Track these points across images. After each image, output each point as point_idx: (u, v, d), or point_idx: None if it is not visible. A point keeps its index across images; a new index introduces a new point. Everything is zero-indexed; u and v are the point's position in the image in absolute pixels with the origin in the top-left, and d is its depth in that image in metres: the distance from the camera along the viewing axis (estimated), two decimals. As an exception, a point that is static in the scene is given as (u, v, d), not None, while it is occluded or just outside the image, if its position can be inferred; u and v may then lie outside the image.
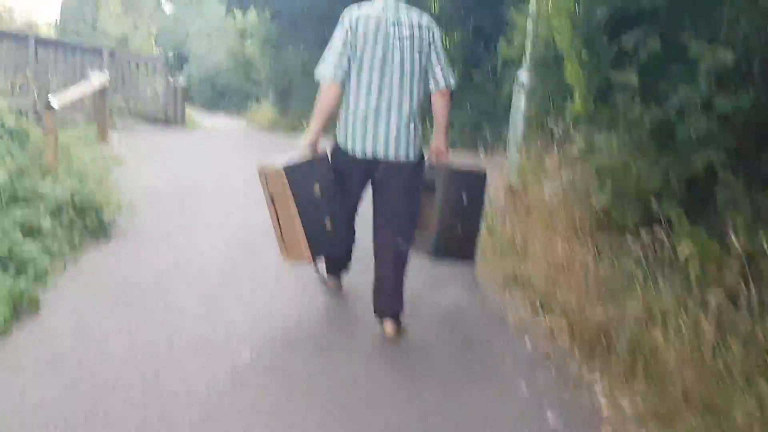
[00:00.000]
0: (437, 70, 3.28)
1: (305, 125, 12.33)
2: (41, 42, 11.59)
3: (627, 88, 3.43)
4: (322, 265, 4.00)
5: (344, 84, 3.24)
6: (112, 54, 11.62)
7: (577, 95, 3.70)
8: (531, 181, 5.30)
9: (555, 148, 5.08)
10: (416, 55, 3.21)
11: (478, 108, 11.50)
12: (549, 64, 4.38)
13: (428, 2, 13.24)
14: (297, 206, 3.26)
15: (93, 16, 34.25)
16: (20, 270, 3.70)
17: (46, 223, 4.29)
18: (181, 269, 4.21)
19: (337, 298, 3.93)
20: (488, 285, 4.20)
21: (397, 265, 3.37)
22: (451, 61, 12.22)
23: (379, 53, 3.17)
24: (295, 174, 3.25)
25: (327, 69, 3.23)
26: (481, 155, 6.44)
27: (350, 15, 3.23)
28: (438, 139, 3.49)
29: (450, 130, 10.85)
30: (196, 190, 6.51)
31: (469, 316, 3.74)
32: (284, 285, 4.06)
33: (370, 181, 3.38)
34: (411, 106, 3.24)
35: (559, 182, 4.90)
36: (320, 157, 3.34)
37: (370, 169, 3.30)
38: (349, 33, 3.18)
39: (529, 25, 4.75)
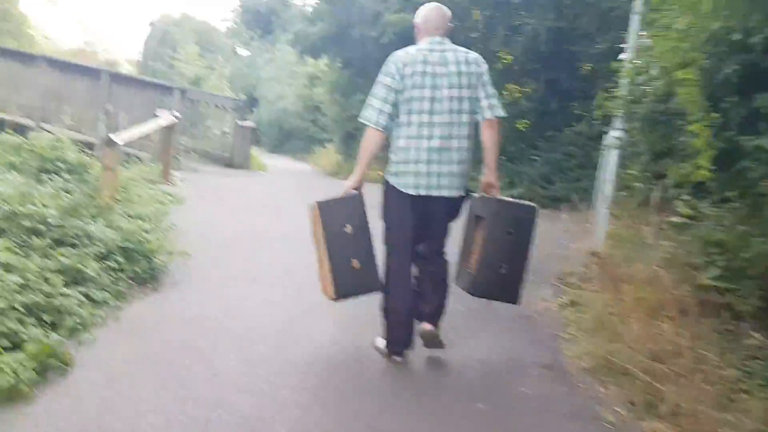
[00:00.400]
0: (484, 101, 3.29)
1: (368, 172, 12.14)
2: (115, 78, 11.76)
3: (759, 155, 2.88)
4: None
5: (388, 129, 3.29)
6: (183, 92, 11.67)
7: (701, 159, 3.16)
8: (622, 250, 4.72)
9: (653, 214, 4.51)
10: (465, 92, 3.25)
11: (549, 162, 10.98)
12: (657, 121, 3.87)
13: (500, 54, 12.98)
14: (326, 242, 3.33)
15: (171, 56, 35.60)
16: (56, 322, 3.37)
17: (92, 268, 3.98)
18: (231, 328, 3.79)
19: (401, 381, 3.41)
20: (577, 372, 3.62)
21: (439, 284, 3.50)
22: (523, 113, 11.88)
23: (427, 93, 3.22)
24: (327, 210, 3.35)
25: (371, 114, 3.28)
26: (563, 215, 5.86)
27: (395, 58, 3.28)
28: (488, 172, 3.39)
29: (519, 184, 10.39)
30: (255, 236, 6.17)
31: (555, 411, 3.16)
32: (343, 355, 3.59)
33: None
34: (461, 143, 3.28)
35: (658, 253, 4.31)
36: (356, 197, 3.38)
37: (422, 205, 3.33)
38: (396, 77, 3.24)
39: (634, 79, 4.26)
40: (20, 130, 7.12)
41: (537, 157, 11.28)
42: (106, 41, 46.95)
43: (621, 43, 10.51)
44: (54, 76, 11.98)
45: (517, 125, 12.44)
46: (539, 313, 4.54)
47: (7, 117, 9.34)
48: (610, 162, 5.03)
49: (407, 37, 3.64)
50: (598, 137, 9.91)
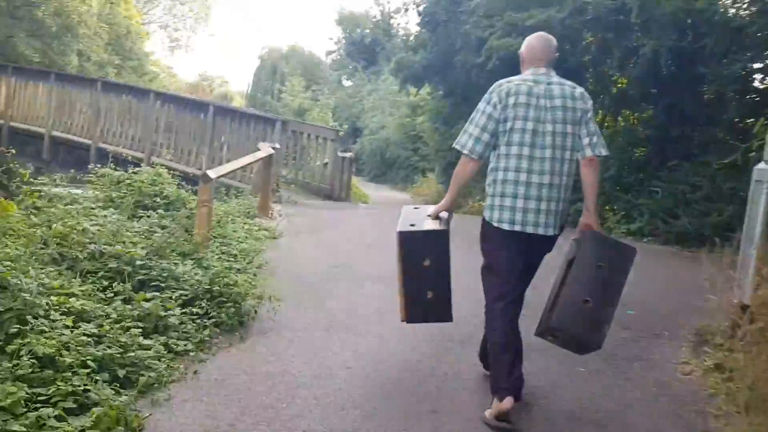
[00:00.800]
0: (586, 139, 3.13)
1: (470, 203, 11.53)
2: (220, 110, 11.92)
3: None
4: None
5: (483, 158, 3.17)
6: (285, 124, 11.63)
7: None
8: (780, 305, 3.94)
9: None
10: (569, 128, 3.11)
11: (672, 194, 9.99)
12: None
13: (614, 78, 12.16)
14: (402, 270, 3.31)
15: (278, 88, 36.81)
16: (130, 377, 3.07)
17: (175, 315, 3.70)
18: (319, 390, 3.36)
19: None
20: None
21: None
22: (640, 141, 10.99)
23: (530, 126, 3.08)
24: (409, 241, 3.28)
25: (467, 141, 3.16)
26: (702, 257, 5.08)
27: (499, 88, 3.15)
28: (587, 213, 3.21)
29: (638, 217, 9.52)
30: (351, 275, 5.79)
31: None
32: (444, 426, 3.07)
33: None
34: (562, 180, 3.13)
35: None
36: (441, 233, 3.28)
37: (521, 242, 3.15)
38: (498, 107, 3.11)
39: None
40: (124, 163, 7.14)
41: (657, 189, 10.34)
42: (221, 75, 49.54)
43: (757, 62, 9.57)
44: (164, 110, 12.34)
45: (635, 154, 11.56)
46: (678, 378, 3.84)
47: (116, 149, 9.56)
48: (761, 199, 4.26)
49: (513, 63, 3.44)
50: (730, 166, 8.95)
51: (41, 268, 3.66)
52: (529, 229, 3.10)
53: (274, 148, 8.34)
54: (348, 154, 12.14)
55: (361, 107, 34.94)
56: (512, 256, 3.17)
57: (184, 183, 6.92)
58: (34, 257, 3.74)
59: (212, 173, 5.42)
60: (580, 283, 3.09)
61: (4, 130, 13.90)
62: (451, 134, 16.33)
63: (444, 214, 3.35)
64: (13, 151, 5.21)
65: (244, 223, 6.75)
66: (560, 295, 3.12)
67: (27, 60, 18.94)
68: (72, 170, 6.52)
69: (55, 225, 4.21)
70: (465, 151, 3.15)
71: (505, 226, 3.12)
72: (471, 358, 3.74)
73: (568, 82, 3.22)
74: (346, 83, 42.69)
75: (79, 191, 6.27)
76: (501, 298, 3.17)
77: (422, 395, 3.37)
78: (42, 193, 5.40)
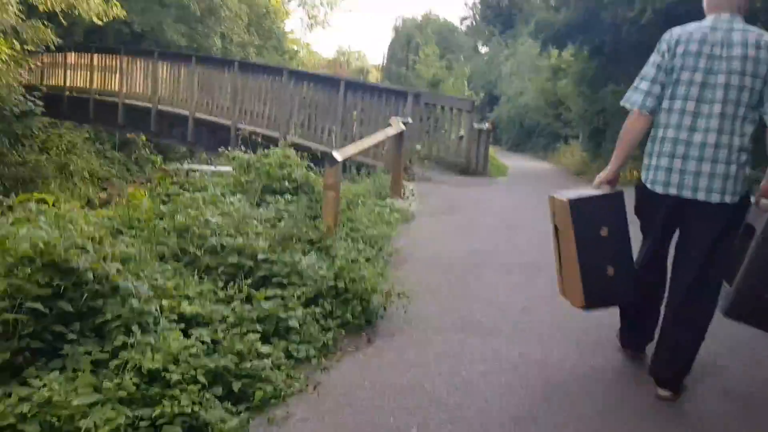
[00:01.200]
0: None
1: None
2: (350, 85, 11.67)
3: None
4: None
5: (653, 113, 2.88)
6: (417, 97, 11.16)
7: None
8: None
9: None
10: (747, 80, 2.72)
11: None
12: None
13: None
14: (577, 246, 2.96)
15: (413, 59, 36.44)
16: (245, 392, 2.77)
17: (296, 316, 3.37)
18: (456, 408, 2.89)
19: None
20: None
21: (691, 328, 2.90)
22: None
23: (698, 78, 2.77)
24: (582, 210, 2.96)
25: (636, 97, 2.90)
26: None
27: (670, 35, 2.86)
28: None
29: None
30: (491, 264, 5.25)
31: None
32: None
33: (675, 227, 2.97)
34: (733, 140, 2.76)
35: None
36: (615, 195, 3.01)
37: (676, 210, 2.88)
38: (666, 55, 2.83)
39: None
40: (257, 143, 6.98)
41: None
42: (358, 49, 50.24)
43: None
44: (297, 88, 12.27)
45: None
46: None
47: (253, 129, 9.55)
48: None
49: (672, 16, 2.90)
50: None
51: (159, 264, 3.47)
52: (687, 194, 2.80)
53: (405, 123, 7.90)
54: (485, 126, 11.47)
55: (497, 74, 33.78)
56: (657, 226, 2.97)
57: (313, 165, 6.64)
58: (150, 253, 3.56)
59: (338, 155, 5.05)
60: (760, 271, 2.73)
61: (153, 113, 14.55)
62: (599, 98, 15.14)
63: (606, 187, 3.06)
64: (144, 138, 5.10)
65: (375, 205, 6.39)
66: (736, 281, 2.79)
67: (175, 45, 19.88)
68: (205, 152, 6.47)
69: (177, 216, 4.04)
70: (634, 108, 2.89)
71: (659, 189, 2.87)
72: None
73: (756, 29, 2.79)
74: (482, 49, 41.43)
75: (220, 168, 6.21)
76: (636, 263, 3.07)
77: (584, 423, 2.80)
78: (175, 179, 5.34)
